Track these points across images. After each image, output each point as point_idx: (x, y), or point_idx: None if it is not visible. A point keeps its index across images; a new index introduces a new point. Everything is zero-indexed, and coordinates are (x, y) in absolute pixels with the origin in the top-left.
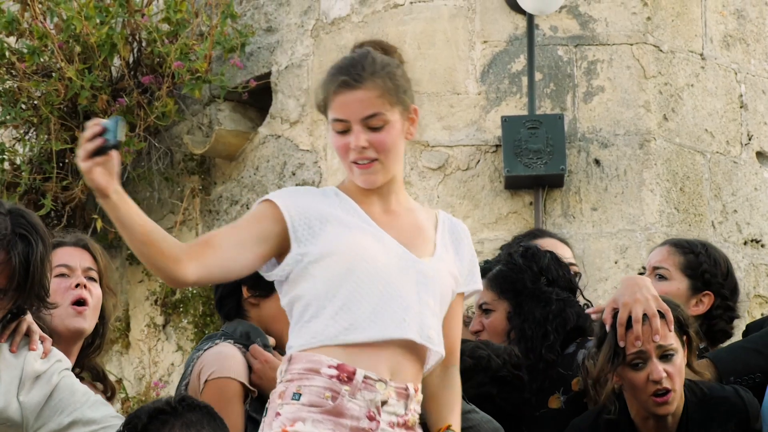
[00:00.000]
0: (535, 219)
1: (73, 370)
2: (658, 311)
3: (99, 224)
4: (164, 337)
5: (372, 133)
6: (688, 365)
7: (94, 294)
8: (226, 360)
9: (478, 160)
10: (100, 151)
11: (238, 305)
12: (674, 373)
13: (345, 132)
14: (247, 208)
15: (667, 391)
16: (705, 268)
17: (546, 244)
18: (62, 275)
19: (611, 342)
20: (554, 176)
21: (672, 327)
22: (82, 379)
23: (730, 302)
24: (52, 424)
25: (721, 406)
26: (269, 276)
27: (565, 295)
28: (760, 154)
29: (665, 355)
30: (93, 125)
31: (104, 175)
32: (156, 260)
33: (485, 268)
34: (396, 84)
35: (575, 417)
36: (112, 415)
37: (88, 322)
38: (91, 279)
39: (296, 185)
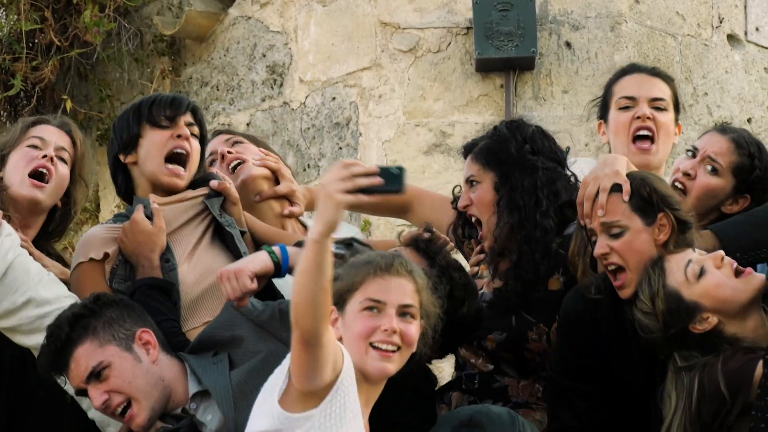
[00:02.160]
0: (506, 101)
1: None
2: (616, 185)
3: (69, 105)
4: None
5: (403, 323)
6: (664, 245)
7: (59, 172)
8: (79, 249)
9: (449, 43)
10: (371, 191)
11: (127, 178)
12: (621, 250)
13: (373, 312)
14: (218, 90)
15: (619, 269)
16: (757, 175)
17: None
18: (34, 146)
19: (578, 221)
20: (525, 59)
21: (626, 198)
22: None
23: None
24: (6, 303)
25: None
26: (281, 414)
27: (552, 165)
28: (731, 37)
29: (613, 234)
30: (368, 165)
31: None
32: (321, 310)
33: (472, 144)
34: (426, 294)
35: None
36: (65, 294)
37: (45, 194)
38: (62, 159)
39: (267, 67)
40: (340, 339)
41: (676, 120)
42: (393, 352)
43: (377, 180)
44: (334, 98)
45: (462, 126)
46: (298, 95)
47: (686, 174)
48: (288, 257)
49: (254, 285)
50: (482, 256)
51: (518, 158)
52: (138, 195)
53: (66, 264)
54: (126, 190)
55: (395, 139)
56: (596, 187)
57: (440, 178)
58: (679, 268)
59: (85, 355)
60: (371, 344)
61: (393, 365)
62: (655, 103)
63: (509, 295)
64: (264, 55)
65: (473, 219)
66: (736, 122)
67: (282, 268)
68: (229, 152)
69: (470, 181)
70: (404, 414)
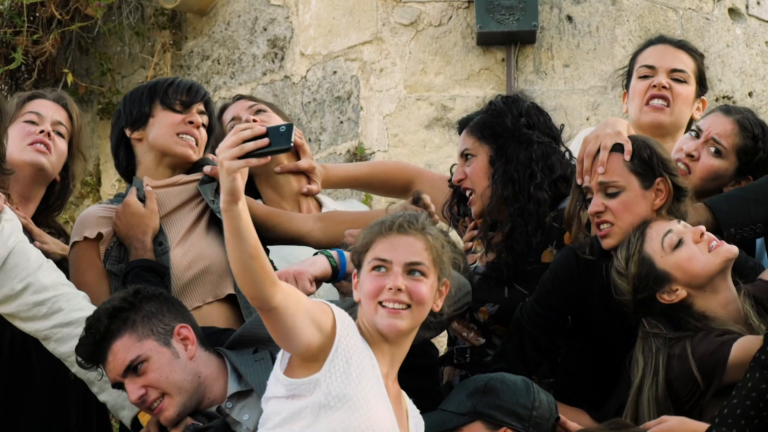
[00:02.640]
0: (507, 75)
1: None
2: (617, 145)
3: (70, 78)
4: None
5: (411, 281)
6: (658, 210)
7: (57, 146)
8: (75, 228)
9: (451, 16)
10: (260, 154)
11: (129, 154)
12: (616, 208)
13: (380, 272)
14: (218, 64)
15: (607, 224)
16: (760, 157)
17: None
18: (31, 122)
19: (575, 180)
20: (526, 32)
21: (628, 157)
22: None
23: None
24: (6, 288)
25: None
26: (280, 377)
27: (547, 140)
28: (732, 11)
29: (609, 193)
30: (255, 127)
31: (242, 181)
32: (256, 275)
33: (466, 119)
34: (440, 251)
35: None
36: (63, 282)
37: (48, 160)
38: (59, 134)
39: (268, 41)
40: (360, 301)
41: (699, 95)
42: (402, 309)
43: (263, 142)
44: (335, 72)
45: (463, 100)
46: (300, 69)
47: (689, 155)
48: (345, 262)
49: (313, 288)
50: (476, 232)
51: (514, 131)
52: (138, 174)
53: (68, 237)
54: (126, 166)
55: (396, 113)
56: (597, 145)
57: (441, 152)
58: (658, 236)
59: (123, 349)
60: (380, 303)
61: (403, 321)
62: (675, 74)
63: (501, 267)
64: (265, 29)
65: (467, 193)
66: (737, 96)
67: (339, 272)
68: (254, 120)
69: (465, 155)
70: (409, 396)
